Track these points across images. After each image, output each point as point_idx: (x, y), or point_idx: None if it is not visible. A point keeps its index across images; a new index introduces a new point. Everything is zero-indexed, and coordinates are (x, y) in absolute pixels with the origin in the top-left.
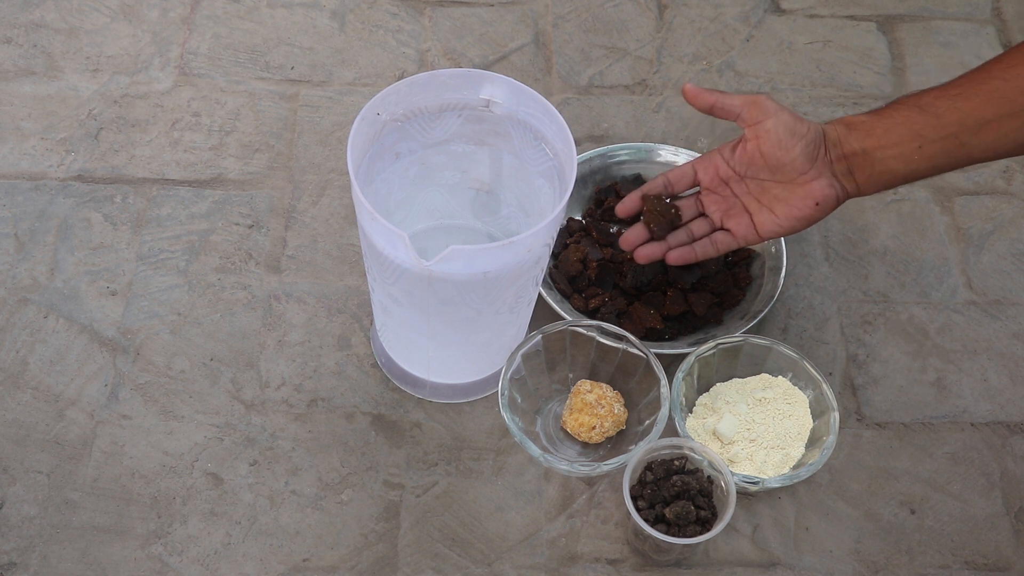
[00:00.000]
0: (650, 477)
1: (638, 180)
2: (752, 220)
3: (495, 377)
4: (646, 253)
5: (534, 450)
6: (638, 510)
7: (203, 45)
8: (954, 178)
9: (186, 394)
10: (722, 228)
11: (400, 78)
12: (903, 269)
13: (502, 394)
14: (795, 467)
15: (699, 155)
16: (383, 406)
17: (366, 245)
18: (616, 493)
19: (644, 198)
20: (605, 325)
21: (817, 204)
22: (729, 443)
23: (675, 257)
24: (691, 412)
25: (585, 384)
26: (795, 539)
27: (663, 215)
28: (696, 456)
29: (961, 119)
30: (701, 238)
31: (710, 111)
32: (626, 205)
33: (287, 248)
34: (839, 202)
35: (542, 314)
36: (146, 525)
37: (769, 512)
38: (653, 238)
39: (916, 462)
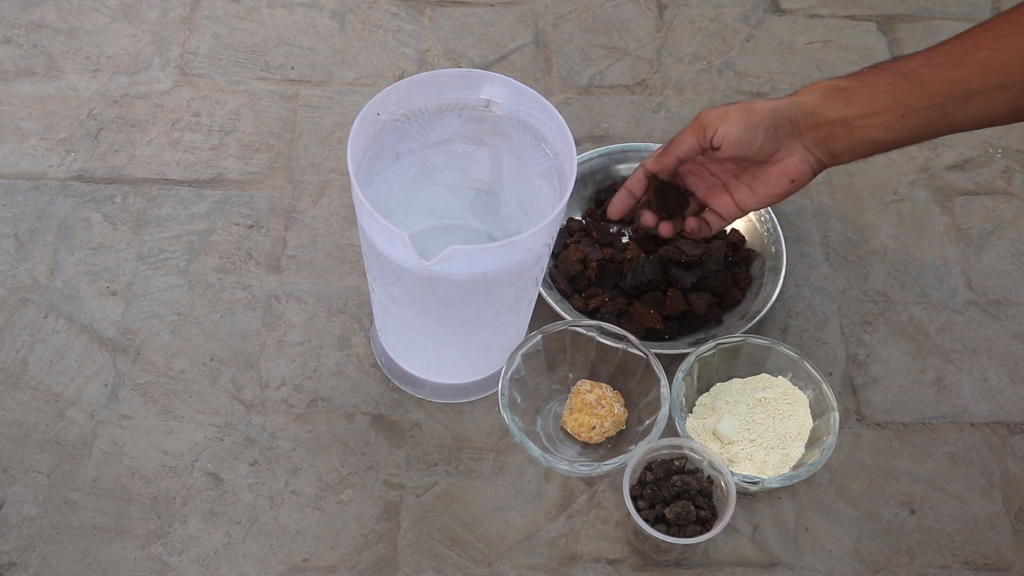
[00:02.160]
0: (650, 477)
1: None
2: (732, 198)
3: (495, 377)
4: (667, 229)
5: (534, 450)
6: (638, 510)
7: (203, 45)
8: (954, 178)
9: (186, 394)
10: (707, 207)
11: (400, 78)
12: (903, 269)
13: (502, 394)
14: (795, 467)
15: None
16: (383, 406)
17: (366, 245)
18: (616, 493)
19: (653, 187)
20: (605, 325)
21: (792, 181)
22: (729, 443)
23: (692, 223)
24: (691, 412)
25: (585, 384)
26: (795, 539)
27: (673, 198)
28: (696, 456)
29: (948, 89)
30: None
31: (679, 166)
32: (616, 207)
33: (287, 248)
34: (815, 174)
35: (542, 314)
36: (146, 525)
37: (769, 512)
38: (660, 218)
39: (916, 462)
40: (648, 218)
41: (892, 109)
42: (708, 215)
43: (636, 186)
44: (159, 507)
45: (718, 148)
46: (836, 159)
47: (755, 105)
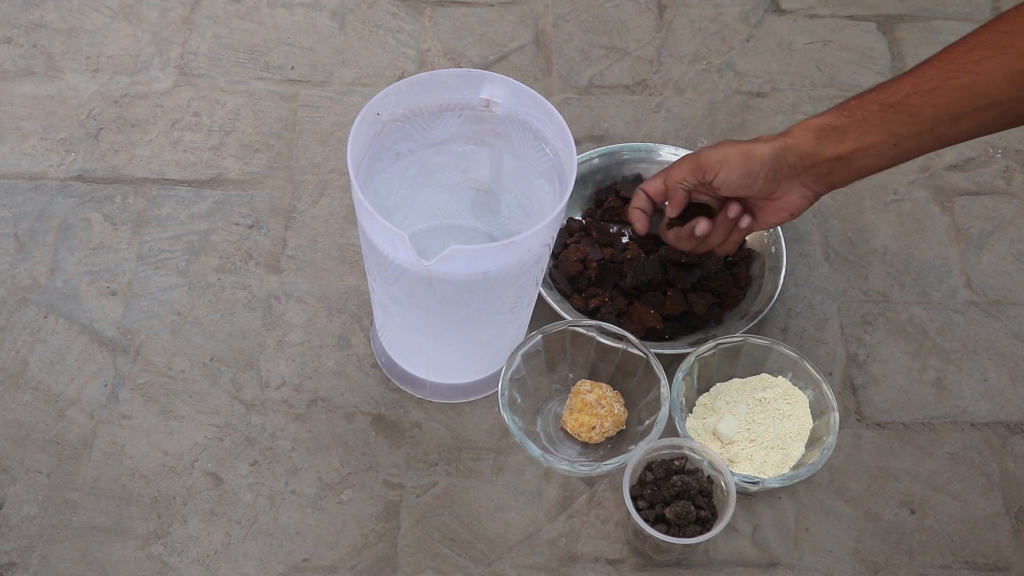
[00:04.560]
0: (650, 477)
1: (638, 180)
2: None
3: (495, 377)
4: (704, 226)
5: (534, 450)
6: (638, 510)
7: (203, 45)
8: (954, 178)
9: (186, 394)
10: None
11: (400, 78)
12: (903, 269)
13: (502, 394)
14: (795, 467)
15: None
16: (383, 406)
17: (366, 245)
18: (616, 493)
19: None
20: (605, 325)
21: (791, 214)
22: (729, 443)
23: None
24: (691, 412)
25: (585, 384)
26: (795, 539)
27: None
28: (696, 456)
29: (936, 115)
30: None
31: (690, 198)
32: (639, 225)
33: (287, 248)
34: (812, 204)
35: (542, 314)
36: (146, 525)
37: (769, 512)
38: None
39: (916, 462)
40: (640, 226)
41: (884, 141)
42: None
43: (645, 204)
44: (159, 507)
45: (717, 189)
46: (833, 187)
47: (754, 151)
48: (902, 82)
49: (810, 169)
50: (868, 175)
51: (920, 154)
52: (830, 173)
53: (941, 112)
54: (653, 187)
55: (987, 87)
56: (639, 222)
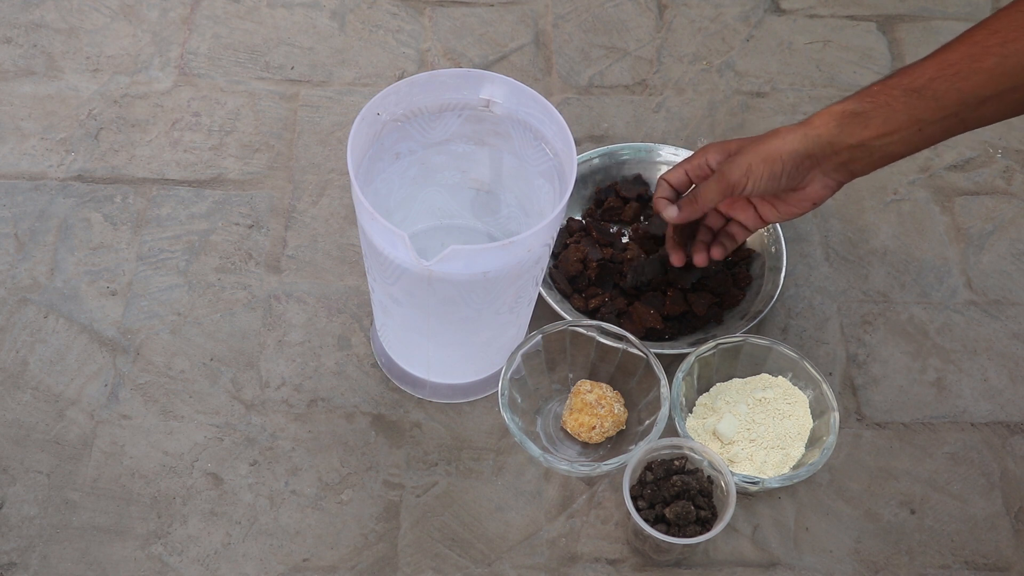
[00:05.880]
0: (650, 477)
1: (638, 180)
2: (756, 211)
3: (495, 377)
4: (699, 260)
5: (534, 450)
6: (638, 510)
7: (203, 45)
8: (954, 178)
9: (186, 394)
10: (730, 218)
11: (400, 78)
12: (903, 269)
13: (502, 394)
14: (795, 467)
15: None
16: (383, 406)
17: (366, 245)
18: (616, 493)
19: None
20: (605, 325)
21: (814, 204)
22: (729, 443)
23: (717, 253)
24: (691, 412)
25: (585, 384)
26: (795, 539)
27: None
28: (696, 456)
29: (961, 99)
30: (718, 231)
31: (706, 210)
32: (668, 214)
33: (287, 248)
34: (834, 193)
35: (542, 314)
36: (146, 525)
37: (769, 512)
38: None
39: (916, 462)
40: (676, 259)
41: (909, 126)
42: (732, 227)
43: (669, 194)
44: (159, 507)
45: (749, 196)
46: (854, 175)
47: (774, 152)
48: (925, 66)
49: (831, 157)
50: (890, 162)
51: (944, 139)
52: (852, 160)
53: (966, 96)
54: (676, 177)
55: (1011, 69)
56: (668, 210)
